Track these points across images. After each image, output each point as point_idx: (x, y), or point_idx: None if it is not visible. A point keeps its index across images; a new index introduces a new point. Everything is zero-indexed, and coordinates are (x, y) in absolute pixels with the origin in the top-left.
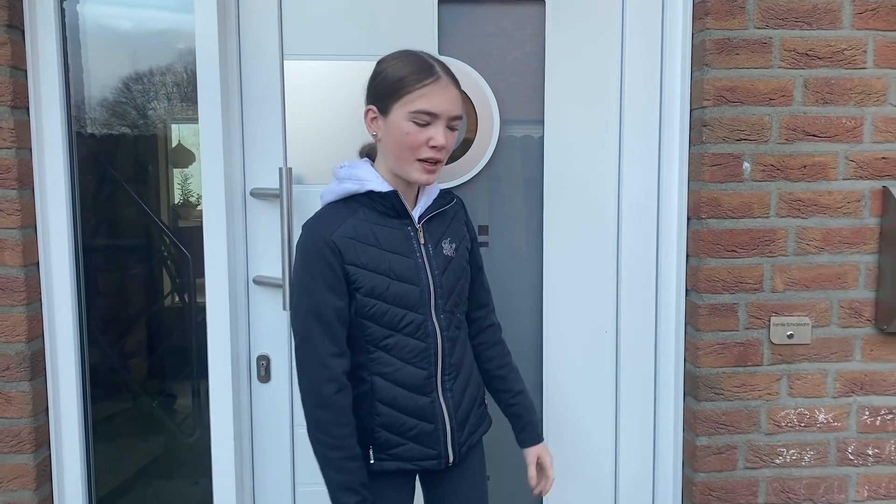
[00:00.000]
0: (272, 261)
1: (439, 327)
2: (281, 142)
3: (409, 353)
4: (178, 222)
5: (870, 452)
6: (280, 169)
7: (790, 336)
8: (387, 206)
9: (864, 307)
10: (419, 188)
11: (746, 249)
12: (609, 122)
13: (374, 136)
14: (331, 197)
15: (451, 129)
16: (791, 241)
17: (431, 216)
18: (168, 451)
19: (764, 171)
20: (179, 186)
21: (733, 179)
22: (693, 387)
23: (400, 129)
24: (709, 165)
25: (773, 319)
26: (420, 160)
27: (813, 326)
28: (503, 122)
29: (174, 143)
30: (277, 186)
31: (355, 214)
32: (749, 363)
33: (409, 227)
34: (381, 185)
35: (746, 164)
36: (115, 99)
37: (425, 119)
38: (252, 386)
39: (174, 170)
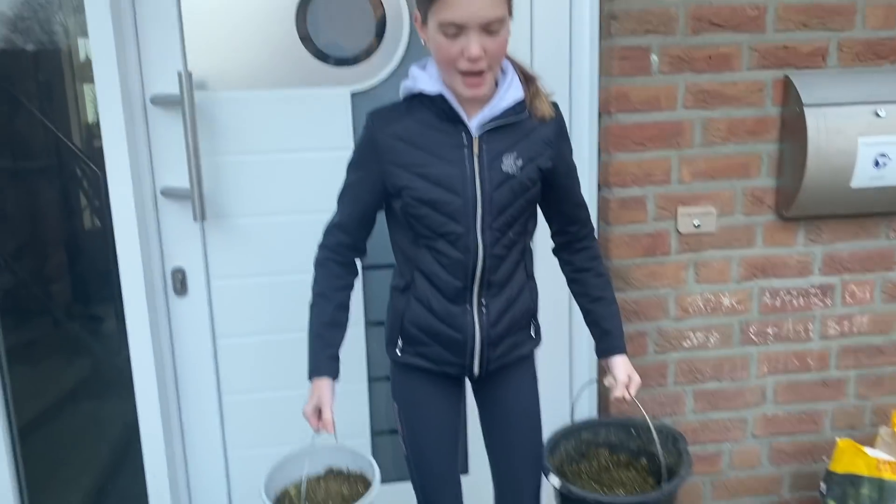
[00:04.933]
0: (179, 171)
1: (483, 243)
2: (178, 44)
3: (447, 260)
4: (92, 141)
5: (770, 332)
6: (179, 73)
7: (697, 226)
8: (438, 109)
9: (765, 195)
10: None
11: (654, 142)
12: (519, 18)
13: (423, 43)
14: (401, 91)
15: (491, 33)
16: (697, 133)
17: (496, 127)
18: (96, 373)
19: (671, 63)
20: (91, 103)
21: (641, 73)
22: None
23: (435, 41)
24: (618, 59)
25: (681, 210)
26: (461, 72)
27: (718, 215)
28: (413, 23)
29: (82, 58)
30: (178, 93)
31: (413, 114)
32: (658, 253)
33: (464, 135)
34: (430, 86)
35: (654, 57)
36: (14, 13)
37: (453, 30)
38: (169, 300)
39: (84, 86)
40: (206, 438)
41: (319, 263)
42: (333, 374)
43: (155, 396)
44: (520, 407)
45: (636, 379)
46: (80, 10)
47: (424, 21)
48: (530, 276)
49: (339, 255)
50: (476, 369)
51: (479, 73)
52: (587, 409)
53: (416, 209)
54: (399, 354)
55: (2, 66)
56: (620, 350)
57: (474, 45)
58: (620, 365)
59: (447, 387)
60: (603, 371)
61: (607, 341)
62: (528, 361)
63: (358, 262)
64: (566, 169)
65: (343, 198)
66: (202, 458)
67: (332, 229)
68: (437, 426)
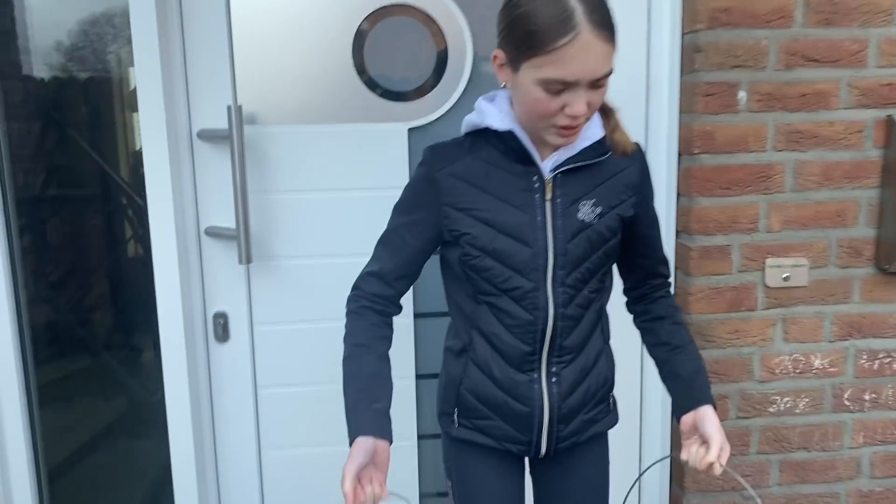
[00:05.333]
0: (226, 210)
1: (554, 301)
2: (229, 77)
3: (513, 320)
4: (138, 171)
5: (867, 397)
6: (228, 107)
7: (786, 278)
8: (506, 147)
9: (864, 246)
10: None
11: (741, 187)
12: None
13: (503, 84)
14: (464, 127)
15: (597, 87)
16: (788, 177)
17: (572, 168)
18: (134, 410)
19: (760, 100)
20: (140, 133)
21: (728, 110)
22: None
23: (528, 94)
24: (702, 95)
25: (769, 261)
26: (555, 125)
27: (810, 267)
28: (477, 58)
29: (132, 87)
30: (226, 127)
31: (476, 152)
32: (742, 308)
33: (535, 177)
34: (500, 122)
35: (742, 94)
36: (70, 42)
37: (558, 87)
38: (209, 346)
39: (133, 115)
40: (244, 497)
41: (354, 313)
42: (382, 432)
43: (190, 449)
44: (585, 496)
45: (727, 445)
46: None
47: (514, 68)
48: (607, 342)
49: (377, 304)
50: (543, 448)
51: (575, 126)
52: (657, 492)
53: (478, 260)
54: (455, 427)
55: (52, 94)
56: (709, 401)
57: (581, 103)
58: (712, 420)
59: (510, 465)
60: (677, 444)
61: (693, 392)
62: (602, 442)
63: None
64: (649, 219)
65: (386, 243)
66: None
67: (367, 277)
68: None
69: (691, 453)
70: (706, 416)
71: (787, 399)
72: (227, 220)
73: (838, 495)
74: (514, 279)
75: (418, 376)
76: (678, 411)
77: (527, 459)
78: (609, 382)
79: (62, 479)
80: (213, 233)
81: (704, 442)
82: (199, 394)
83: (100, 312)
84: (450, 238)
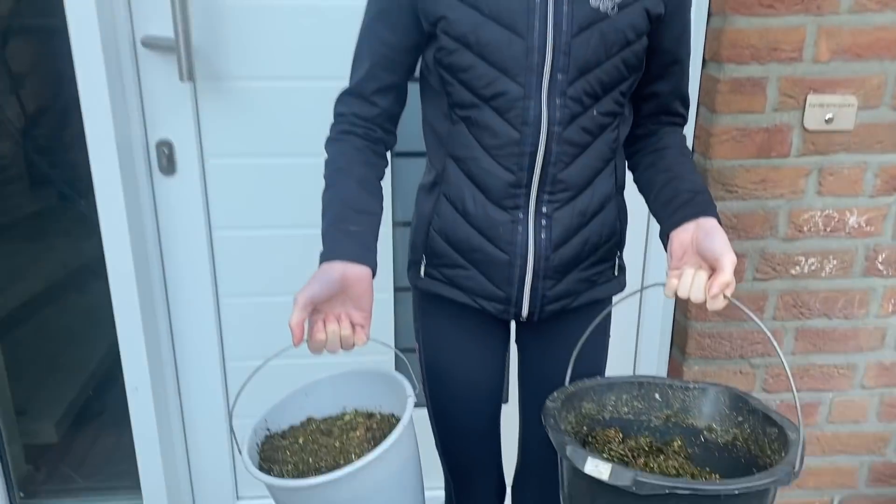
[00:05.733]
0: (167, 16)
1: (548, 115)
2: None
3: (494, 139)
4: None
5: None
6: None
7: (829, 120)
8: None
9: None
10: None
11: (787, 4)
12: None
13: None
14: None
15: None
16: None
17: None
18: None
19: None
20: None
21: None
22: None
23: None
24: None
25: (811, 98)
26: None
27: (859, 108)
28: None
29: None
30: None
31: None
32: (773, 154)
33: None
34: None
35: None
36: None
37: None
38: (153, 179)
39: None
40: (201, 348)
41: (333, 140)
42: (356, 256)
43: (134, 294)
44: (575, 371)
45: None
46: None
47: None
48: (621, 191)
49: (357, 127)
50: (525, 309)
51: None
52: (655, 356)
53: (455, 56)
54: (422, 277)
55: None
56: (715, 215)
57: None
58: (720, 233)
59: (487, 329)
60: None
61: (694, 206)
62: (601, 309)
63: (387, 152)
64: (680, 28)
65: (359, 49)
66: (195, 369)
67: (344, 98)
68: (473, 384)
69: (685, 277)
70: (713, 229)
71: (813, 260)
72: (169, 29)
73: (856, 366)
74: (500, 82)
75: (395, 223)
76: (670, 226)
77: (513, 326)
78: (617, 237)
79: (26, 320)
80: (151, 43)
81: (703, 266)
82: (143, 234)
83: (71, 151)
84: (428, 29)
